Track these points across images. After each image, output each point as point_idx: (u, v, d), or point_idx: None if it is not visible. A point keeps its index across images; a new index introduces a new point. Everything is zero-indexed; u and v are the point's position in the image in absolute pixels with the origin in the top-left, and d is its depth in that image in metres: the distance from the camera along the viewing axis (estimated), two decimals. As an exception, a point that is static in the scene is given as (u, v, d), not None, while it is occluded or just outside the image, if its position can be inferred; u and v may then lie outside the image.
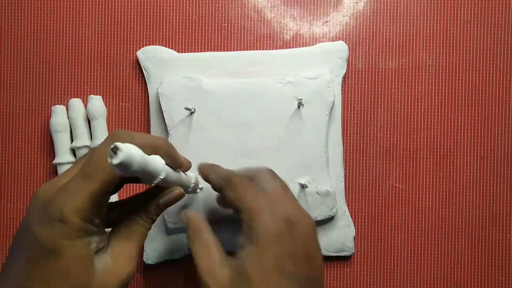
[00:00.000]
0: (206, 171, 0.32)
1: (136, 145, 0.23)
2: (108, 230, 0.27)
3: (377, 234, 0.40)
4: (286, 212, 0.27)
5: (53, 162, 0.39)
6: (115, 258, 0.25)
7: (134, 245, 0.26)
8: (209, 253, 0.28)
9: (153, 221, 0.28)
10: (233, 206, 0.28)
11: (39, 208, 0.23)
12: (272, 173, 0.31)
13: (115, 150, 0.22)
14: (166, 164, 0.27)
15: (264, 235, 0.26)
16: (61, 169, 0.39)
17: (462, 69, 0.40)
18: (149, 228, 0.28)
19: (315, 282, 0.27)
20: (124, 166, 0.22)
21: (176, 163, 0.29)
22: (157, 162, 0.26)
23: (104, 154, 0.23)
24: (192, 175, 0.33)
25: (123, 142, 0.22)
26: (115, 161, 0.22)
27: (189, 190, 0.33)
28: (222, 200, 0.32)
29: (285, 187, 0.30)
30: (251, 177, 0.30)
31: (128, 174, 0.23)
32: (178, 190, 0.28)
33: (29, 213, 0.24)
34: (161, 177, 0.26)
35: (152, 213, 0.27)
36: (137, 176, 0.24)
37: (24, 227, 0.24)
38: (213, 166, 0.32)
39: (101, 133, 0.39)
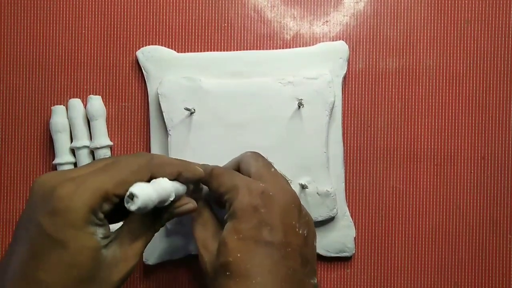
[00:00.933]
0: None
1: (169, 177, 0.27)
2: (114, 224, 0.28)
3: (378, 235, 0.40)
4: (263, 186, 0.29)
5: (53, 162, 0.39)
6: (123, 253, 0.25)
7: (141, 244, 0.27)
8: (205, 227, 0.31)
9: (162, 225, 0.29)
10: (217, 194, 0.31)
11: (42, 197, 0.23)
12: (255, 154, 0.33)
13: (131, 197, 0.24)
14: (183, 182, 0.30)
15: (240, 209, 0.28)
16: (61, 169, 0.39)
17: (463, 69, 0.40)
18: (157, 231, 0.29)
19: (298, 251, 0.28)
20: (141, 209, 0.25)
21: (191, 181, 0.30)
22: (167, 188, 0.28)
23: (131, 162, 0.26)
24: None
25: (155, 165, 0.26)
26: (133, 207, 0.24)
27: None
28: (212, 196, 0.33)
29: (267, 165, 0.32)
30: (236, 164, 0.33)
31: (145, 211, 0.25)
32: (192, 205, 0.29)
33: (31, 202, 0.24)
34: (171, 199, 0.28)
35: (164, 218, 0.29)
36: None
37: (27, 217, 0.24)
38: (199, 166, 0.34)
39: (101, 133, 0.39)
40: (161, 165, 0.27)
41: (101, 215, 0.24)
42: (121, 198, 0.25)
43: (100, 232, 0.24)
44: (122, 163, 0.26)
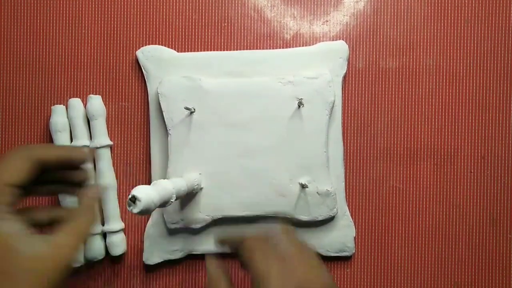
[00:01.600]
0: (222, 237, 0.34)
1: (54, 157, 0.26)
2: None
3: (378, 234, 0.40)
4: (297, 279, 0.26)
5: None
6: (51, 245, 0.24)
7: (74, 238, 0.25)
8: None
9: (94, 211, 0.27)
10: (246, 268, 0.29)
11: None
12: (287, 232, 0.31)
13: (133, 200, 0.24)
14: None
15: None
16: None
17: (463, 69, 0.40)
18: (91, 225, 0.27)
19: None
20: (143, 212, 0.25)
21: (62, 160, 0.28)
22: (168, 189, 0.28)
23: (13, 153, 0.25)
24: (195, 175, 0.35)
25: (31, 150, 0.24)
26: (135, 210, 0.25)
27: (194, 191, 0.35)
28: (240, 263, 0.33)
29: (301, 249, 0.29)
30: (266, 237, 0.31)
31: (147, 214, 0.26)
32: (96, 190, 0.28)
33: None
34: (172, 200, 0.29)
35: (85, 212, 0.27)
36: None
37: None
38: (229, 233, 0.35)
39: (101, 133, 0.39)
40: (38, 152, 0.26)
41: (8, 209, 0.24)
42: (19, 185, 0.25)
43: (10, 225, 0.23)
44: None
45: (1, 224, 0.23)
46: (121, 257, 0.40)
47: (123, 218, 0.40)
